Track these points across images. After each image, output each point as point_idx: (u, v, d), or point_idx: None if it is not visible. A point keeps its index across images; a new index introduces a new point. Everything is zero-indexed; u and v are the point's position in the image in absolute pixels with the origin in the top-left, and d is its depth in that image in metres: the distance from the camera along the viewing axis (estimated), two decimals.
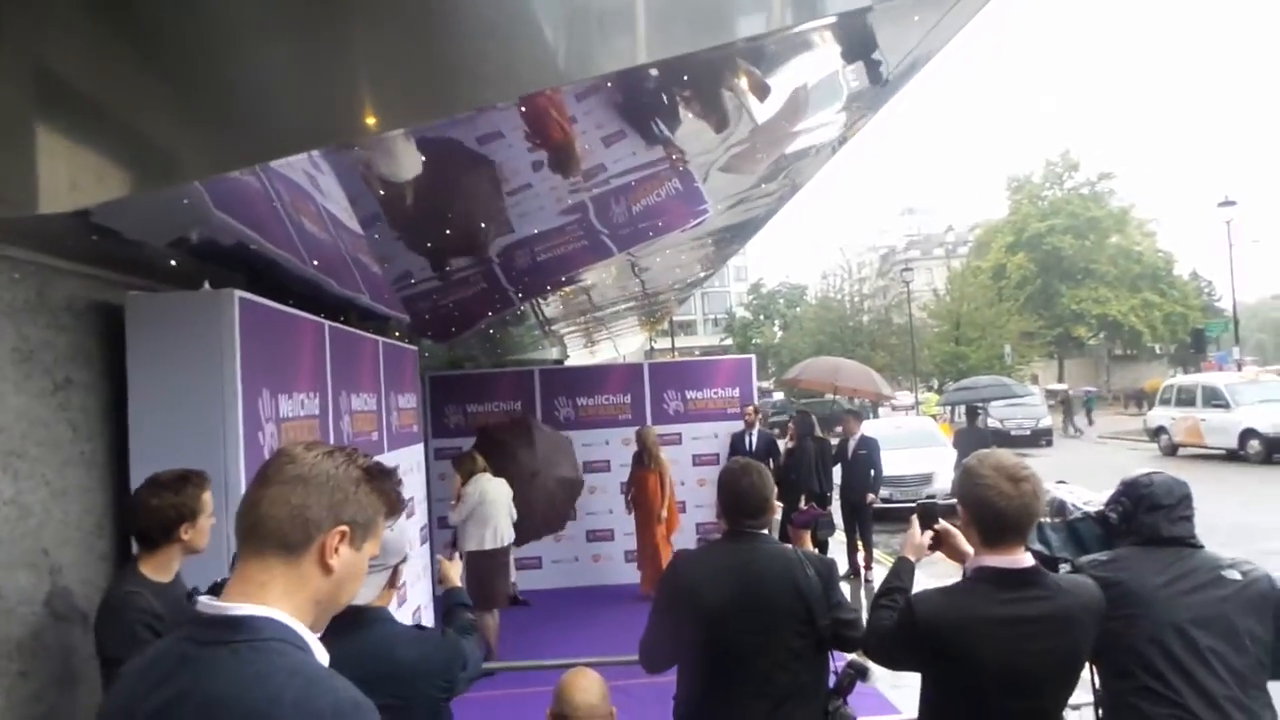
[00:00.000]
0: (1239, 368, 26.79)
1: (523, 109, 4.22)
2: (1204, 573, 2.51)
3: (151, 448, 3.20)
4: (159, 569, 2.74)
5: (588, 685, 2.69)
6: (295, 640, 1.28)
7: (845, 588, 9.34)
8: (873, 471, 10.12)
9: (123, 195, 2.54)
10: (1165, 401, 22.13)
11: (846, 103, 4.86)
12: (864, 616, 2.70)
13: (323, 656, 1.32)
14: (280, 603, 1.29)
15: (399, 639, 2.24)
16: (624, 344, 21.95)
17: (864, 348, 40.94)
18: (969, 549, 2.39)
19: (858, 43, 3.70)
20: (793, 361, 33.72)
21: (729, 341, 56.61)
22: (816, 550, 8.86)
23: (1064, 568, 2.76)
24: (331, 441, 4.55)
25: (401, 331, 7.60)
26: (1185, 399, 21.16)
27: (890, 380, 32.73)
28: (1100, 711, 2.61)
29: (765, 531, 2.86)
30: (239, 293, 3.35)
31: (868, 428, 11.49)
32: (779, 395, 37.04)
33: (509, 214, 5.76)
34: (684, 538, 9.26)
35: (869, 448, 10.19)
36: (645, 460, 8.87)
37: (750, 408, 9.99)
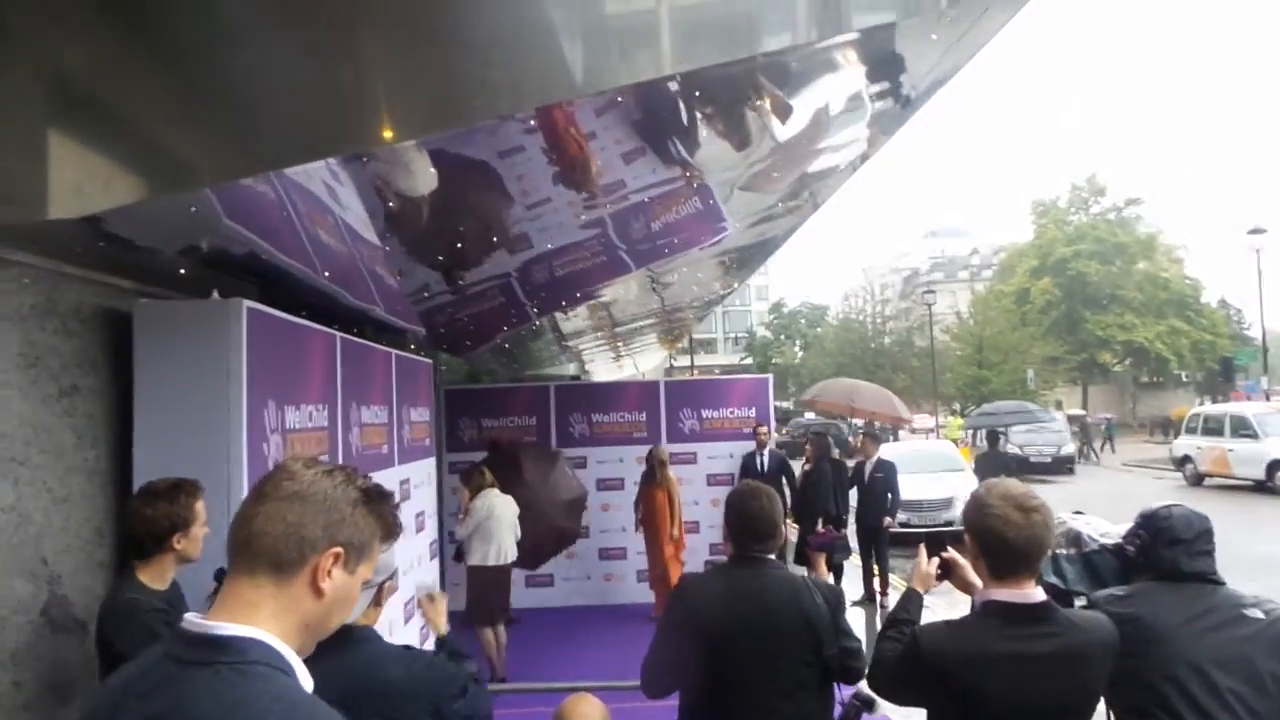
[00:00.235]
0: (1267, 397, 26.34)
1: (540, 123, 4.22)
2: (1225, 611, 2.42)
3: (155, 456, 3.19)
4: (155, 577, 2.76)
5: (588, 712, 2.63)
6: (280, 664, 1.24)
7: (860, 614, 9.28)
8: (890, 495, 9.98)
9: (130, 201, 2.53)
10: (1191, 430, 21.79)
11: (869, 122, 4.82)
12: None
13: (307, 683, 1.28)
14: (268, 624, 1.25)
15: (385, 658, 2.18)
16: (644, 361, 21.91)
17: (885, 369, 40.74)
18: (978, 581, 2.32)
19: (883, 60, 3.67)
20: (813, 382, 33.55)
21: (749, 360, 56.42)
22: (831, 573, 8.77)
23: (1079, 602, 2.68)
24: (340, 454, 4.56)
25: (417, 344, 7.61)
26: (1212, 428, 20.83)
27: (911, 403, 32.48)
28: None
29: (773, 557, 2.80)
30: (247, 302, 3.34)
31: (886, 451, 11.35)
32: (810, 415, 36.52)
33: (528, 228, 5.76)
34: (697, 558, 9.19)
35: (886, 471, 10.06)
36: (654, 477, 8.80)
37: (763, 428, 9.89)
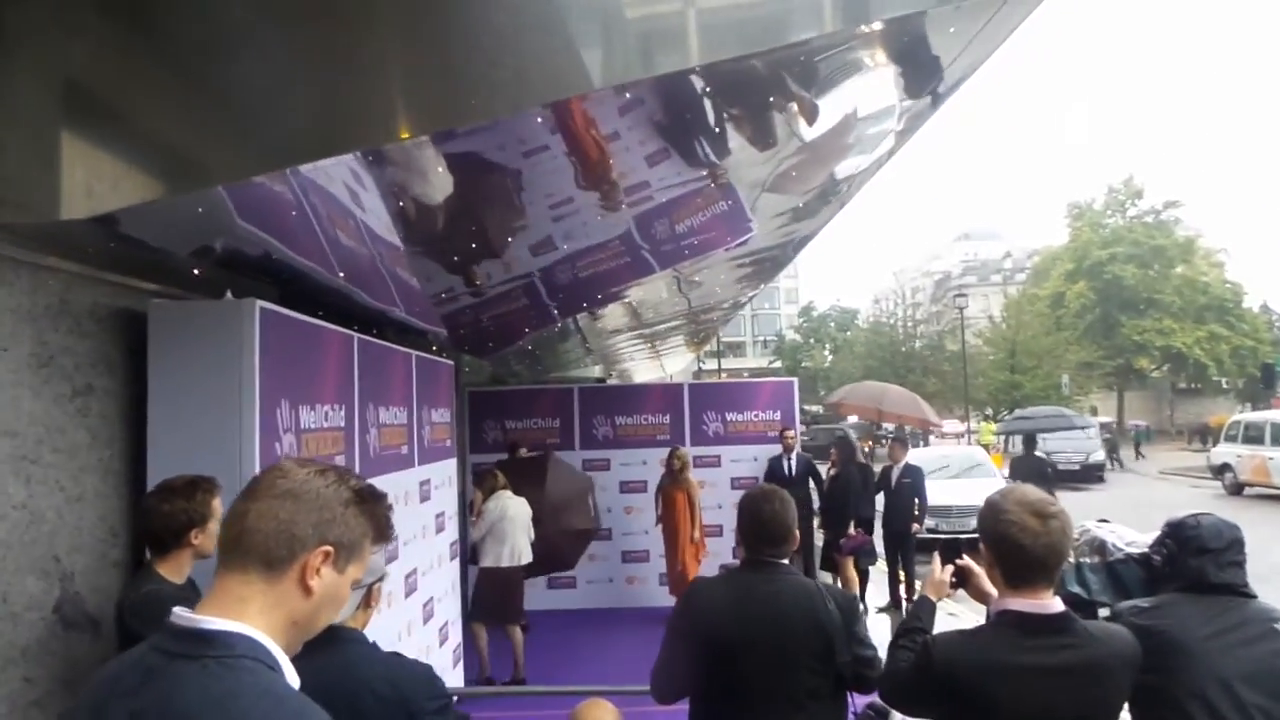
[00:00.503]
0: None
1: (558, 123, 4.18)
2: (1255, 625, 2.33)
3: (169, 456, 3.20)
4: (173, 572, 2.82)
5: (601, 717, 2.59)
6: (267, 659, 1.24)
7: (885, 620, 9.16)
8: (917, 501, 9.85)
9: (139, 201, 2.53)
10: (1231, 438, 21.33)
11: (897, 117, 4.73)
12: None
13: (294, 679, 1.28)
14: (256, 620, 1.26)
15: (367, 661, 2.14)
16: (671, 364, 21.86)
17: (915, 373, 40.30)
18: (993, 590, 2.24)
19: (911, 50, 3.58)
20: (842, 385, 33.24)
21: (778, 364, 56.18)
22: (859, 577, 8.67)
23: (1103, 613, 2.59)
24: (357, 454, 4.57)
25: (439, 346, 7.62)
26: (1253, 436, 20.35)
27: (942, 408, 32.10)
28: None
29: (786, 562, 2.73)
30: (260, 302, 3.33)
31: (914, 456, 11.20)
32: (853, 418, 35.90)
33: (551, 229, 5.73)
34: (720, 561, 9.12)
35: (914, 476, 9.92)
36: (675, 478, 8.76)
37: (789, 431, 9.81)
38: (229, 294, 3.43)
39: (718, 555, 9.28)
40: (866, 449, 14.00)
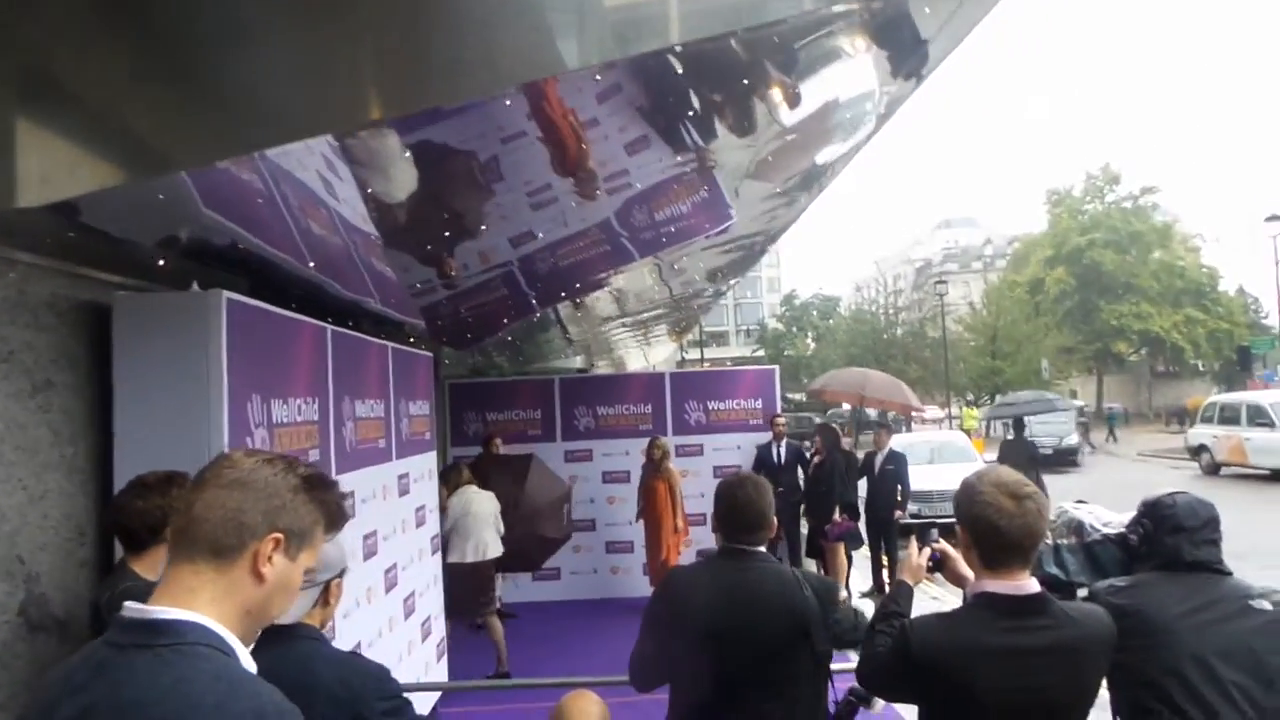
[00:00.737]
0: None
1: (532, 109, 4.12)
2: (1231, 602, 2.33)
3: (136, 452, 3.13)
4: (148, 569, 2.75)
5: (587, 708, 2.56)
6: (221, 646, 1.24)
7: (870, 605, 9.19)
8: (900, 487, 9.88)
9: (98, 188, 2.46)
10: (1207, 419, 21.57)
11: (876, 100, 4.70)
12: None
13: (249, 664, 1.29)
14: (208, 609, 1.26)
15: (319, 658, 2.08)
16: (653, 353, 21.82)
17: (898, 360, 40.45)
18: (969, 573, 2.22)
19: (893, 28, 3.54)
20: (825, 373, 33.32)
21: (761, 353, 56.28)
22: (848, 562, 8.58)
23: (1081, 593, 2.59)
24: (332, 447, 4.50)
25: (417, 338, 7.54)
26: (1229, 417, 20.59)
27: (923, 394, 32.25)
28: None
29: (762, 549, 2.69)
30: (227, 293, 3.26)
31: (896, 442, 11.23)
32: (845, 406, 35.77)
33: (529, 217, 5.67)
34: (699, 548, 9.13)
35: (897, 463, 9.97)
36: (656, 469, 8.75)
37: (780, 419, 9.81)
38: (195, 285, 3.35)
39: (701, 543, 9.28)
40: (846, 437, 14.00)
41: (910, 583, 2.43)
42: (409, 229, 5.06)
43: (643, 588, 9.29)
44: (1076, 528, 2.80)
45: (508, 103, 3.50)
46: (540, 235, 5.82)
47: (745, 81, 4.05)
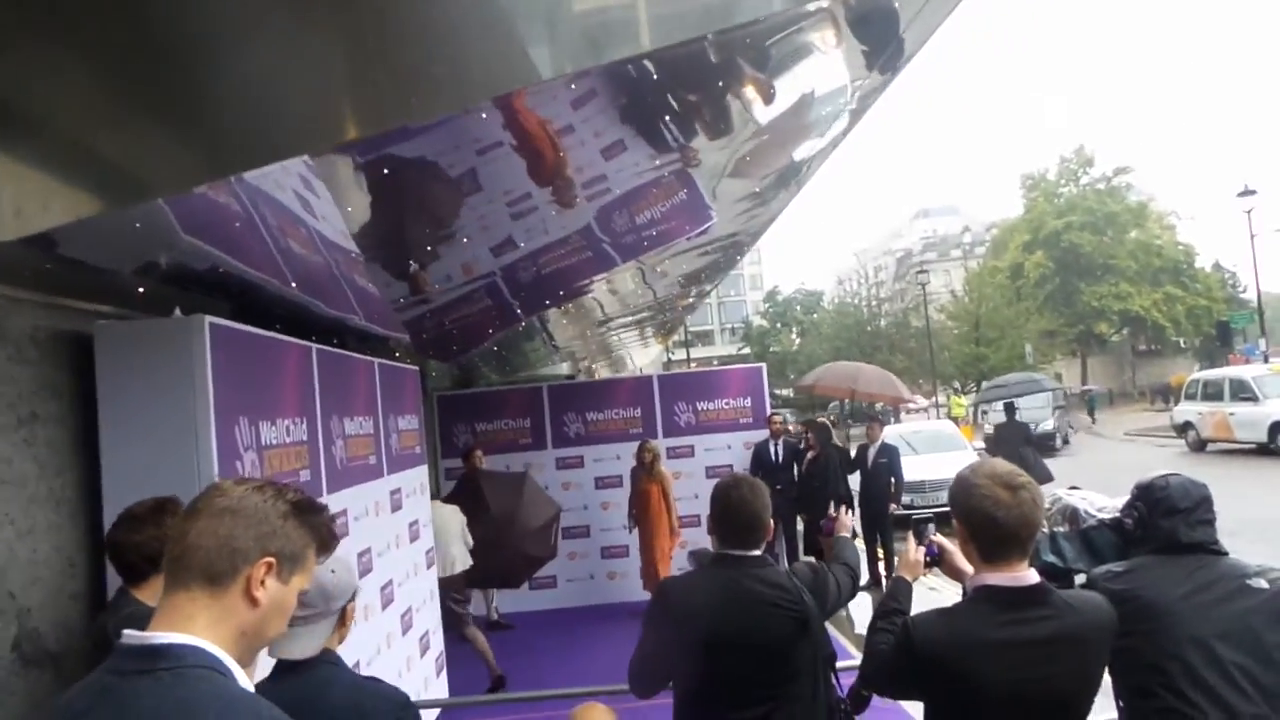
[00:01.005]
0: (1266, 359, 26.25)
1: (505, 120, 4.11)
2: (1228, 582, 2.34)
3: (124, 481, 3.09)
4: (150, 597, 2.72)
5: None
6: (218, 667, 1.28)
7: (866, 598, 9.21)
8: (893, 479, 9.92)
9: (73, 219, 2.43)
10: (1191, 396, 21.76)
11: (851, 94, 4.71)
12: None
13: (247, 685, 1.32)
14: (205, 633, 1.30)
15: (339, 685, 2.08)
16: (640, 356, 21.83)
17: (883, 351, 40.64)
18: (968, 567, 2.23)
19: (867, 21, 3.55)
20: (810, 369, 33.40)
21: (746, 350, 56.37)
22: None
23: (1079, 580, 2.59)
24: (323, 467, 4.48)
25: (402, 352, 7.51)
26: (1212, 393, 20.77)
27: (909, 384, 32.39)
28: None
29: (758, 553, 2.67)
30: (209, 318, 3.23)
31: (887, 434, 11.27)
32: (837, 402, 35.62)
33: (510, 227, 5.66)
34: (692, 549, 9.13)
35: (889, 456, 10.01)
36: (648, 472, 8.76)
37: (776, 416, 9.83)
38: (177, 311, 3.32)
39: (697, 545, 9.27)
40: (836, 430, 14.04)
41: (909, 579, 2.43)
42: (381, 245, 5.04)
43: (640, 593, 9.27)
44: (1071, 515, 2.81)
45: (484, 115, 3.48)
46: (521, 244, 5.81)
47: (719, 81, 4.05)
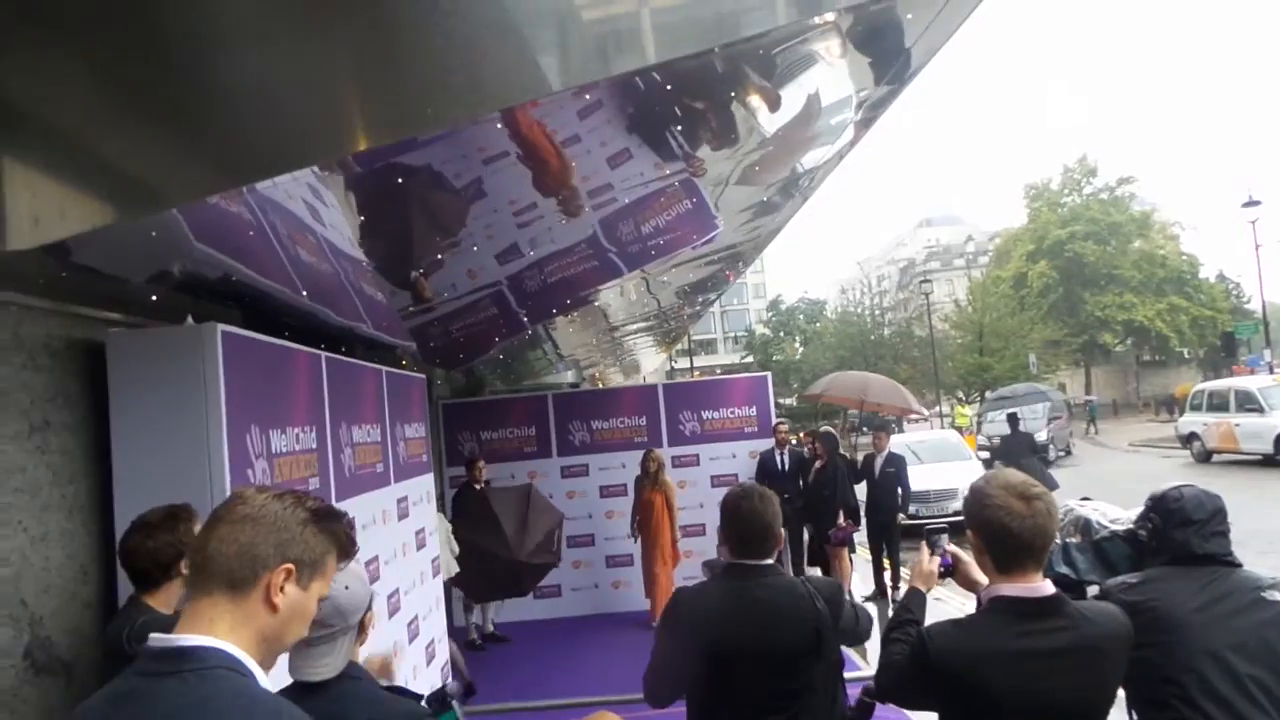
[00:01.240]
0: (1271, 370, 26.20)
1: (510, 132, 4.13)
2: (1243, 594, 2.33)
3: (136, 489, 3.10)
4: (163, 604, 2.75)
5: None
6: (240, 669, 1.32)
7: (872, 608, 9.18)
8: (900, 489, 9.88)
9: (89, 228, 2.45)
10: (1196, 407, 21.68)
11: (855, 107, 4.73)
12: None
13: (267, 685, 1.35)
14: (228, 637, 1.34)
15: (355, 698, 2.07)
16: (645, 364, 21.83)
17: (886, 361, 40.61)
18: (981, 578, 2.22)
19: (875, 37, 3.56)
20: (814, 377, 33.40)
21: (749, 359, 56.34)
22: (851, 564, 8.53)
23: (1092, 591, 2.59)
24: (332, 475, 4.48)
25: (409, 360, 7.52)
26: (1217, 404, 20.70)
27: (914, 394, 32.38)
28: None
29: (770, 562, 2.67)
30: (222, 326, 3.24)
31: (892, 443, 11.24)
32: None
33: (516, 236, 5.67)
34: (700, 560, 9.10)
35: (897, 465, 9.97)
36: (653, 481, 8.77)
37: (782, 425, 9.81)
38: (190, 319, 3.34)
39: (703, 555, 9.26)
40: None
41: (923, 589, 2.43)
42: (388, 253, 5.06)
43: (644, 601, 9.27)
44: (1084, 526, 2.81)
45: (499, 125, 3.49)
46: (527, 253, 5.83)
47: (726, 89, 4.07)
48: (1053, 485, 10.20)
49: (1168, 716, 2.28)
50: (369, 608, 2.23)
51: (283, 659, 1.58)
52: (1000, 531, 2.06)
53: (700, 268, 8.79)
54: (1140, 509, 2.65)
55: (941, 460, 14.72)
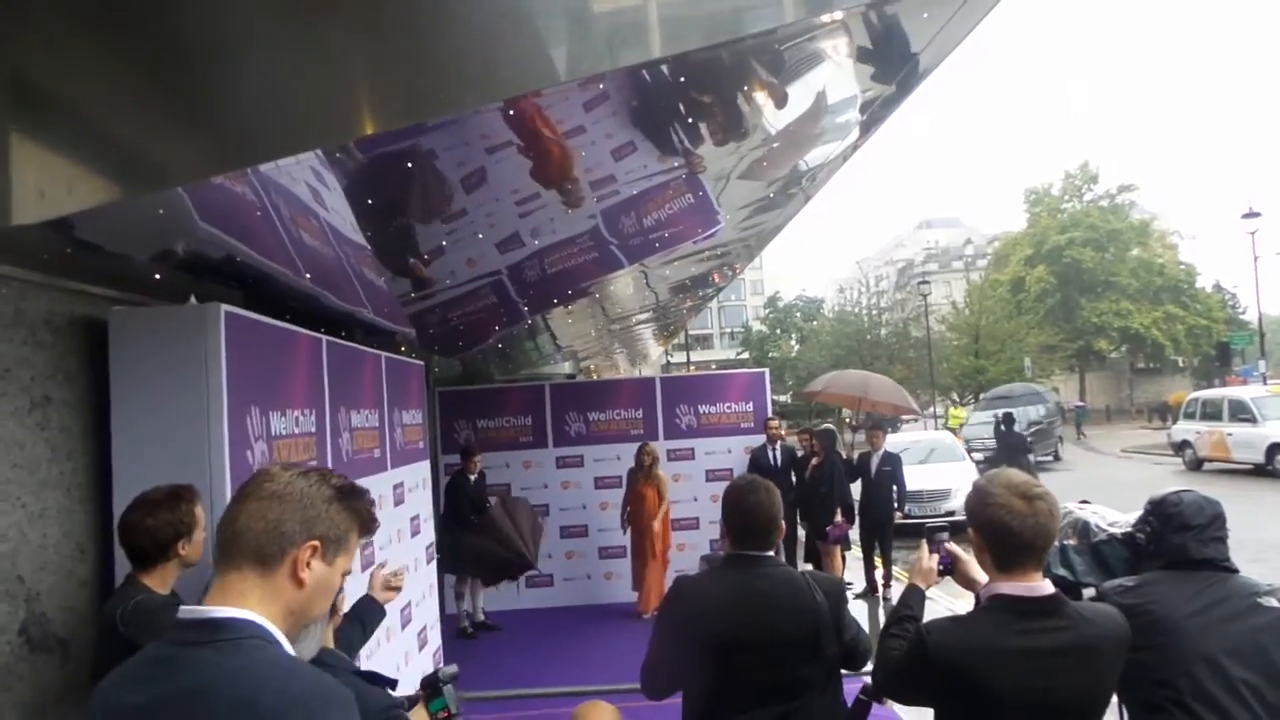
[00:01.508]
0: (1265, 381, 26.29)
1: (513, 123, 4.11)
2: (1239, 600, 2.34)
3: (135, 467, 3.10)
4: (158, 584, 2.76)
5: (601, 717, 2.57)
6: (270, 639, 1.37)
7: (863, 606, 9.21)
8: (895, 488, 9.90)
9: (96, 204, 2.43)
10: (1190, 415, 21.77)
11: (861, 106, 4.72)
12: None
13: (293, 653, 1.41)
14: (258, 609, 1.38)
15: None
16: (641, 357, 21.83)
17: (882, 361, 40.62)
18: (981, 576, 2.23)
19: (884, 38, 3.56)
20: (810, 375, 33.42)
21: (745, 355, 56.35)
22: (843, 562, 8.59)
23: (1088, 593, 2.60)
24: (330, 459, 4.47)
25: (408, 346, 7.51)
26: (1210, 413, 20.80)
27: (910, 394, 32.46)
28: None
29: (771, 554, 2.69)
30: (225, 307, 3.23)
31: (888, 442, 11.26)
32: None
33: (517, 225, 5.66)
34: (696, 555, 9.12)
35: (893, 464, 9.98)
36: (647, 474, 8.79)
37: (774, 421, 9.83)
38: (192, 299, 3.32)
39: (695, 548, 9.29)
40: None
41: (923, 586, 2.43)
42: (387, 237, 5.04)
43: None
44: (1082, 529, 2.82)
45: (511, 112, 3.48)
46: (528, 242, 5.81)
47: (732, 82, 4.06)
48: None
49: (1161, 719, 2.29)
50: (340, 589, 2.22)
51: None
52: (1001, 530, 2.07)
53: (700, 262, 8.79)
54: (1139, 513, 2.66)
55: (936, 461, 14.77)
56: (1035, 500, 2.08)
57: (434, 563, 6.72)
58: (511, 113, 3.83)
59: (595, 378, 18.70)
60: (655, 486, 8.77)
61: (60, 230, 2.77)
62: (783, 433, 9.98)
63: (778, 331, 59.18)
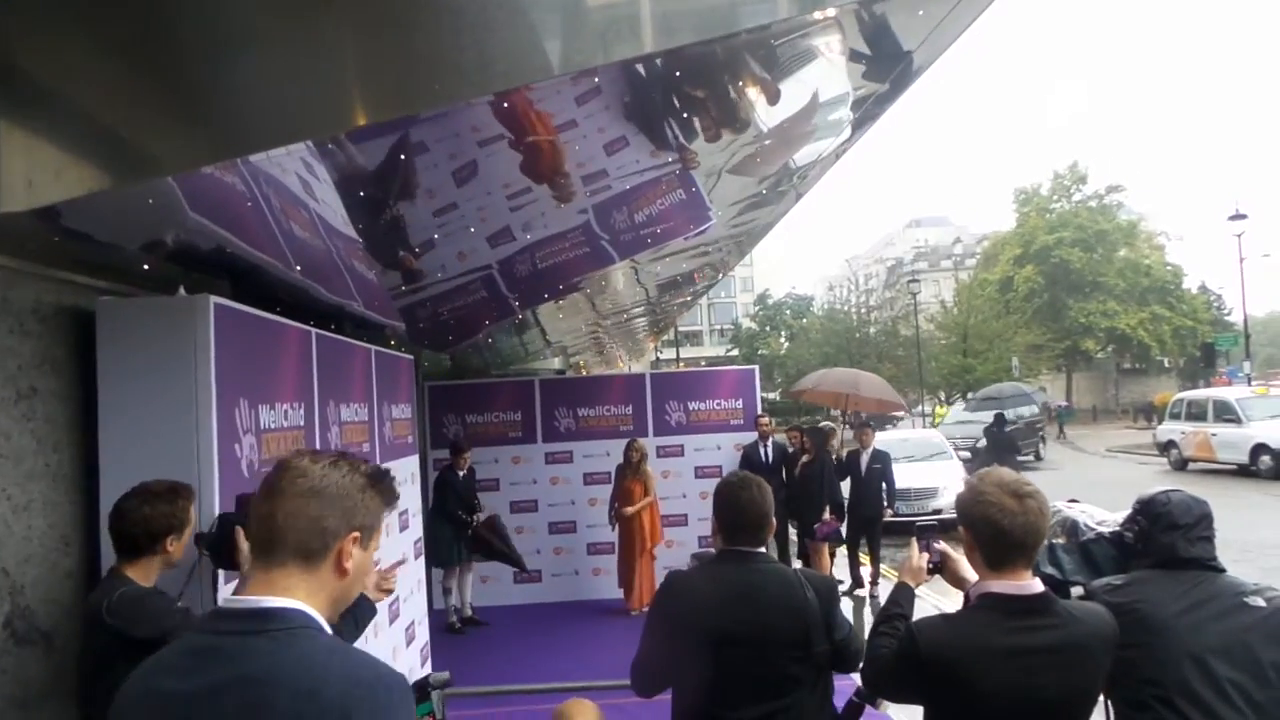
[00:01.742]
0: (1249, 382, 26.50)
1: (503, 118, 4.09)
2: (1226, 599, 2.36)
3: (122, 459, 3.07)
4: (140, 577, 2.73)
5: (584, 716, 2.56)
6: (320, 627, 1.39)
7: (848, 604, 9.24)
8: (885, 485, 9.93)
9: (84, 193, 2.41)
10: (1175, 416, 21.95)
11: (852, 104, 4.72)
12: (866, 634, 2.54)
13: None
14: (306, 600, 1.40)
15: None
16: (630, 354, 21.83)
17: (871, 359, 40.77)
18: (970, 574, 2.24)
19: (874, 35, 3.56)
20: (799, 373, 33.49)
21: (735, 352, 56.42)
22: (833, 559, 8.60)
23: (1076, 592, 2.61)
24: None
25: (398, 340, 7.48)
26: (1196, 413, 20.96)
27: (898, 392, 32.57)
28: None
29: (763, 550, 2.70)
30: (214, 298, 3.21)
31: (877, 440, 11.29)
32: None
33: (509, 219, 5.64)
34: (685, 551, 9.12)
35: (882, 462, 10.00)
36: (635, 470, 8.79)
37: (765, 418, 9.83)
38: (181, 290, 3.29)
39: (684, 545, 9.28)
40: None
41: (912, 584, 2.44)
42: (376, 228, 5.00)
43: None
44: (1070, 527, 2.82)
45: (505, 105, 3.46)
46: (518, 237, 5.79)
47: (725, 77, 4.05)
48: None
49: (1147, 717, 2.30)
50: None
51: None
52: (992, 528, 2.08)
53: (691, 258, 8.78)
54: (1127, 512, 2.68)
55: (923, 459, 14.82)
56: (1026, 499, 2.09)
57: (422, 558, 6.70)
58: (505, 105, 3.81)
59: (585, 373, 18.70)
60: (642, 483, 8.77)
61: (48, 219, 2.74)
62: (772, 428, 9.99)
63: (767, 329, 59.30)
